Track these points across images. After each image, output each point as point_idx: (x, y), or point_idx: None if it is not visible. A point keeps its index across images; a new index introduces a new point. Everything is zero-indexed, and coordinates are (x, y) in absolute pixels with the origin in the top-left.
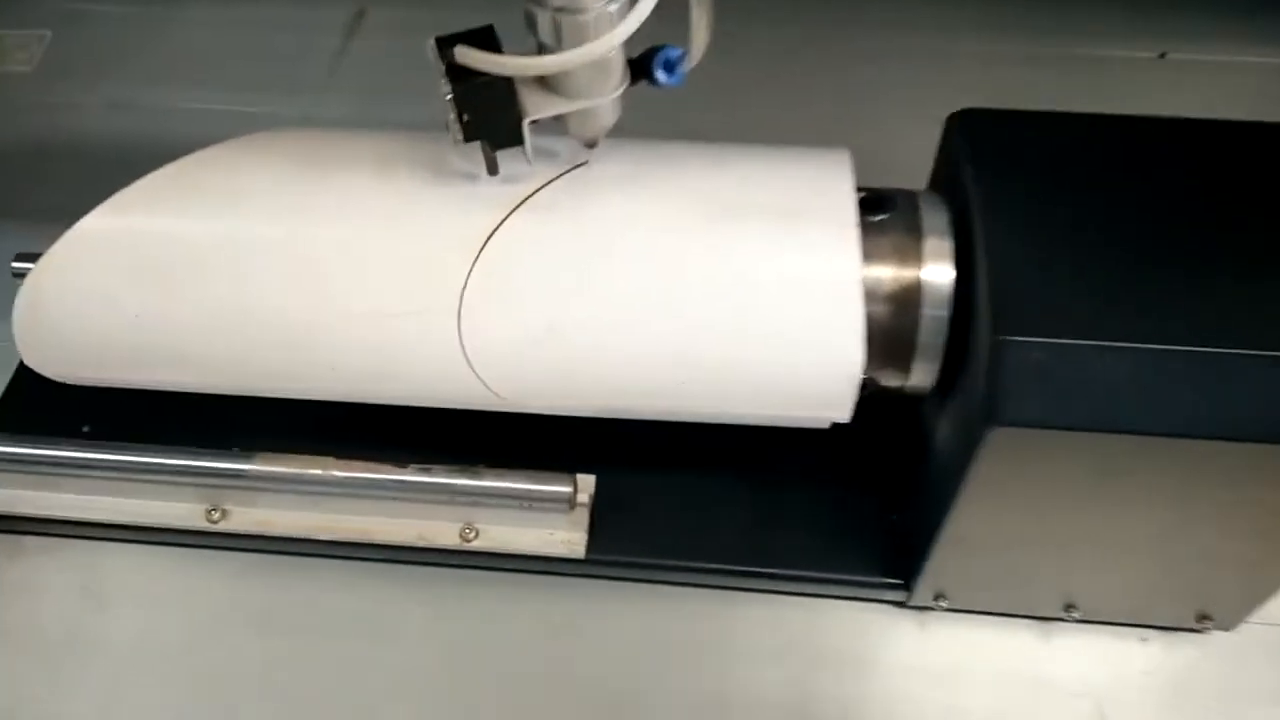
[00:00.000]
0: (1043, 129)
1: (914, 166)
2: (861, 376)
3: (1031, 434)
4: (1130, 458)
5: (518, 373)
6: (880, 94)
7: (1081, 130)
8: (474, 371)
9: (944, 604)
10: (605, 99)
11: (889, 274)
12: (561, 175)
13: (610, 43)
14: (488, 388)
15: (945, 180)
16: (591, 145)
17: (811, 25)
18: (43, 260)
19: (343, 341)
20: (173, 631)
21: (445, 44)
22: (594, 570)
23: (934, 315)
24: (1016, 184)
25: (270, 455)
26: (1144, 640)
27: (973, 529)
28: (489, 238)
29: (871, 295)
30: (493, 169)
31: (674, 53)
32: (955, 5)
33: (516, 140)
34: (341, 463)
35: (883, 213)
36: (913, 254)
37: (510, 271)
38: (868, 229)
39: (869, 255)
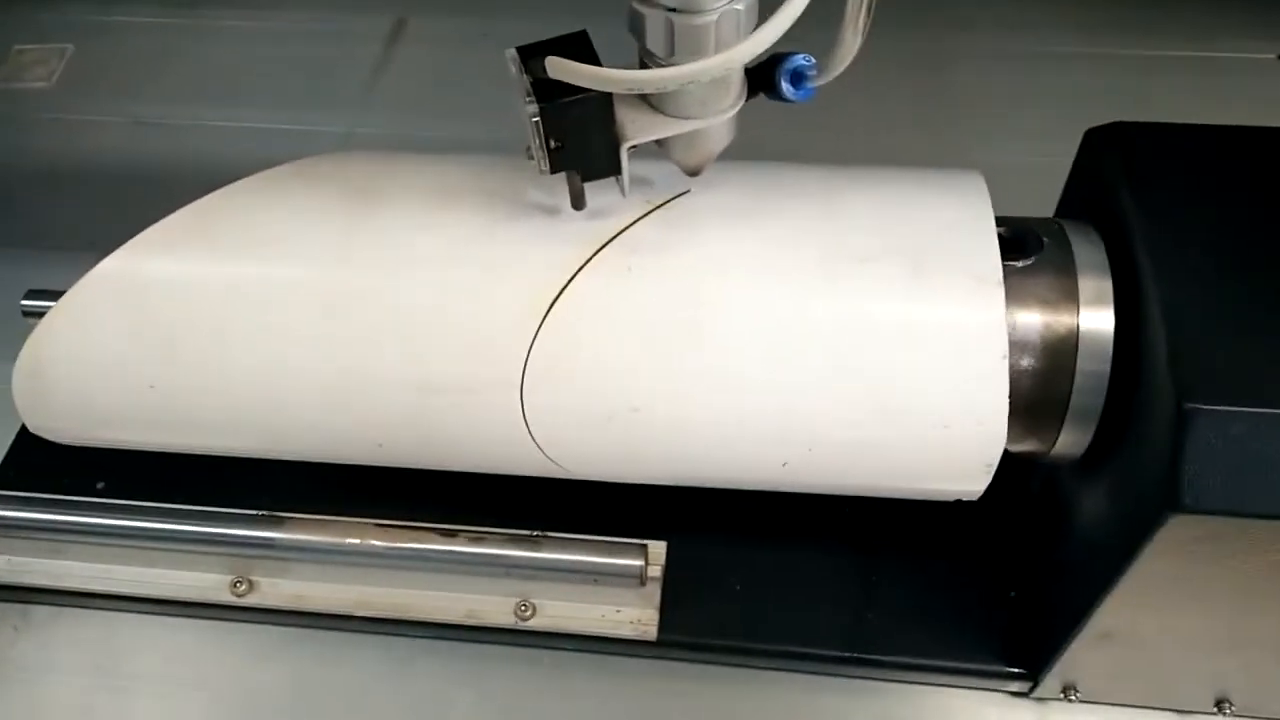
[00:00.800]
0: (1204, 145)
1: (1028, 184)
2: (1003, 445)
3: (1219, 521)
4: None
5: (593, 452)
6: (985, 101)
7: (1247, 146)
8: (540, 449)
9: (1075, 696)
10: (720, 119)
11: (1036, 322)
12: (657, 208)
13: (747, 52)
14: (556, 464)
15: (1086, 205)
16: (695, 173)
17: (908, 26)
18: (45, 321)
19: (384, 416)
20: (194, 716)
21: (530, 55)
22: (667, 653)
23: (1092, 372)
24: (1185, 211)
25: (302, 521)
26: None
27: (1125, 621)
28: (560, 293)
29: (1016, 348)
30: (579, 203)
31: (804, 62)
32: (1060, 7)
33: (612, 169)
34: (382, 530)
35: (1029, 255)
36: (1065, 298)
37: (583, 336)
38: (1011, 271)
39: (1013, 300)
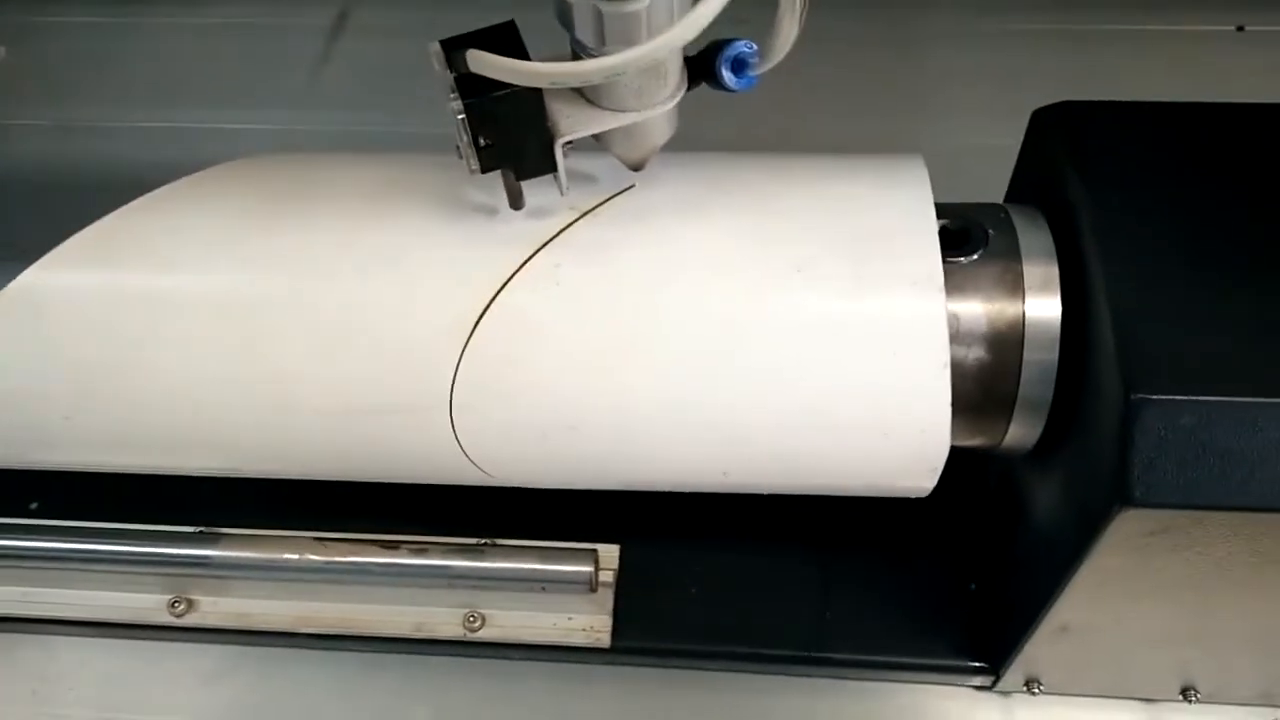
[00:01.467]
0: (1155, 123)
1: (987, 166)
2: (947, 451)
3: (1172, 514)
4: None
5: (531, 468)
6: (943, 80)
7: (1200, 123)
8: (476, 466)
9: (1039, 689)
10: (658, 110)
11: (981, 312)
12: (595, 208)
13: (677, 38)
14: (494, 478)
15: (1034, 188)
16: (638, 168)
17: (865, 5)
18: None
19: (308, 436)
20: None
21: (453, 48)
22: (621, 659)
23: (1039, 362)
24: (1134, 193)
25: (238, 538)
26: None
27: (1083, 615)
28: (486, 308)
29: (960, 339)
30: (517, 202)
31: (746, 49)
32: None
33: (548, 167)
34: (321, 544)
35: (973, 251)
36: (1010, 285)
37: (511, 353)
38: (954, 267)
39: (956, 291)
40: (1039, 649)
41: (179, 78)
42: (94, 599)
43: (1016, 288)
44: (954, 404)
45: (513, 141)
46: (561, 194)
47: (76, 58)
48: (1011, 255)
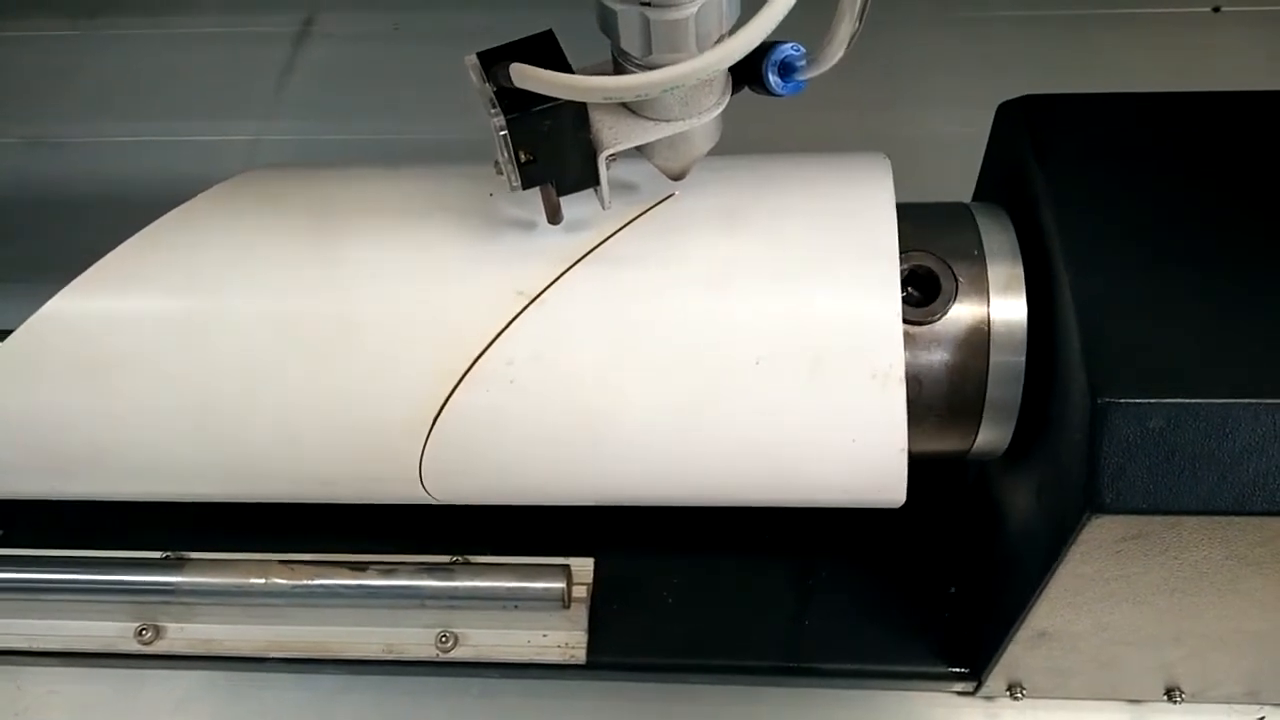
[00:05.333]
0: (1121, 116)
1: (959, 157)
2: (905, 462)
3: (1144, 519)
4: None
5: (500, 507)
6: (918, 68)
7: (1167, 114)
8: (443, 503)
9: (1022, 694)
10: (704, 119)
11: (944, 314)
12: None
13: (742, 47)
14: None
15: (1000, 185)
16: (679, 177)
17: None
18: None
19: (270, 488)
20: None
21: (492, 60)
22: (598, 675)
23: (1006, 364)
24: (1099, 189)
25: (204, 563)
26: None
27: (1061, 621)
28: (440, 409)
29: (923, 343)
30: (554, 217)
31: (793, 52)
32: None
33: (589, 180)
34: (287, 568)
35: (937, 310)
36: (974, 286)
37: (469, 450)
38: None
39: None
40: (1020, 654)
41: (146, 90)
42: (60, 629)
43: (982, 287)
44: (922, 410)
45: (555, 156)
46: (604, 207)
47: (42, 70)
48: (973, 255)
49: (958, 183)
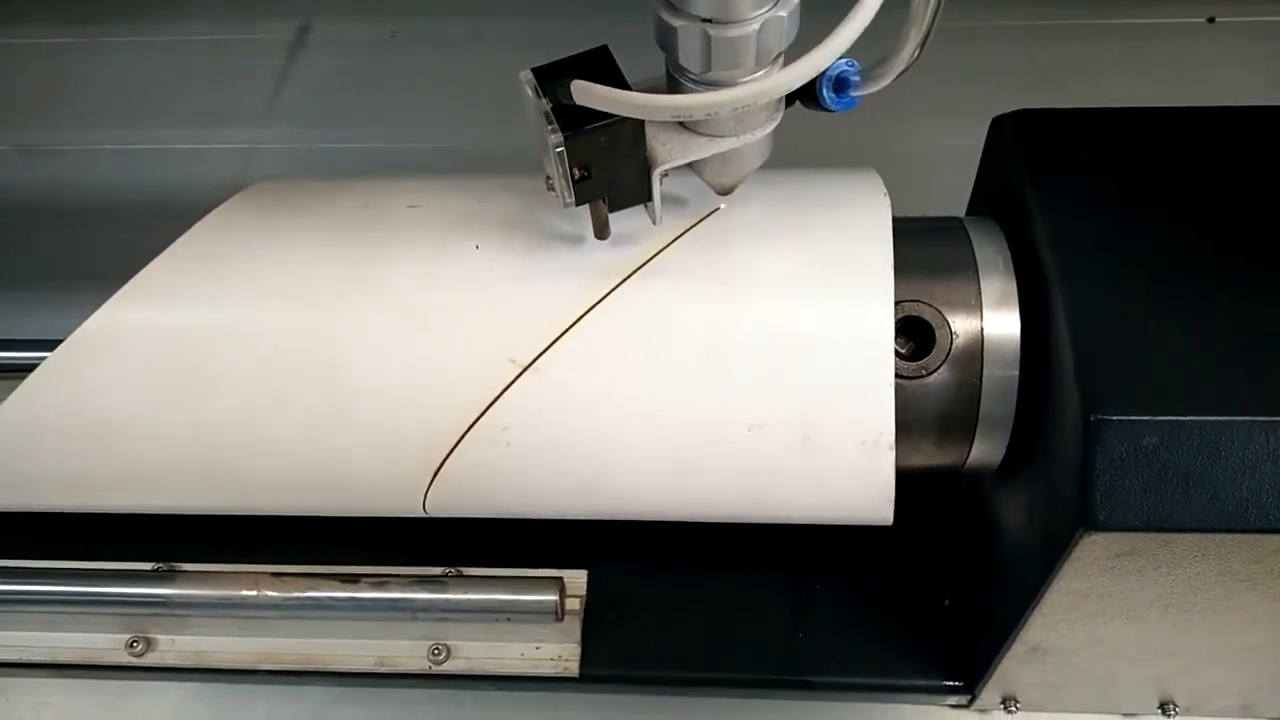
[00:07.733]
0: (1114, 131)
1: (957, 170)
2: (893, 484)
3: (1137, 536)
4: (1274, 559)
5: (498, 512)
6: (915, 79)
7: (1160, 129)
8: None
9: (1017, 707)
10: (758, 135)
11: (936, 370)
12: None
13: (815, 66)
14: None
15: (994, 199)
16: (727, 192)
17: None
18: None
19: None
20: None
21: (548, 77)
22: (591, 688)
23: (999, 378)
24: (1092, 204)
25: (195, 575)
26: None
27: (1054, 636)
28: (437, 471)
29: (913, 394)
30: (602, 231)
31: (848, 67)
32: None
33: (640, 197)
34: (279, 580)
35: (926, 361)
36: (967, 300)
37: (469, 499)
38: (905, 268)
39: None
40: (1014, 668)
41: (141, 97)
42: (51, 640)
43: (973, 302)
44: (915, 424)
45: (609, 172)
46: (655, 222)
47: (36, 78)
48: (966, 269)
49: (952, 196)
